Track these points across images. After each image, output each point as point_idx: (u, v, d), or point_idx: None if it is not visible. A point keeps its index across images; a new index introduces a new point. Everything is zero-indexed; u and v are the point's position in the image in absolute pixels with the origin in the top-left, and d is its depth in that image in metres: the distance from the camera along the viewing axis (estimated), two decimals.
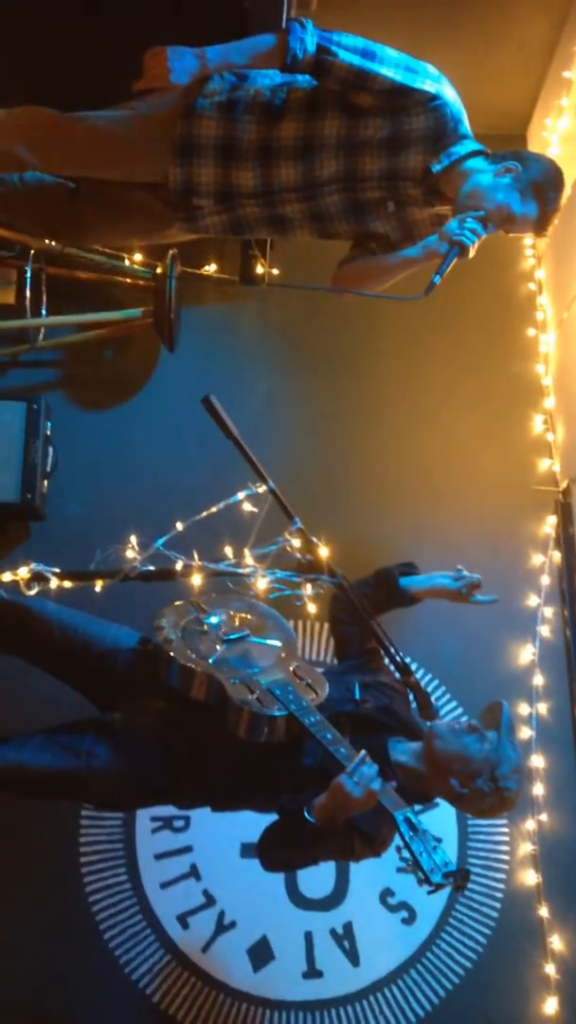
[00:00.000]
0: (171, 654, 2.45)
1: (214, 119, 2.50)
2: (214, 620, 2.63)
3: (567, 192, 2.54)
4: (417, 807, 2.17)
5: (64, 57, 3.17)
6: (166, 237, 2.85)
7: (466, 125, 2.53)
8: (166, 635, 2.51)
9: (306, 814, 2.25)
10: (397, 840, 2.10)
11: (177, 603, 2.66)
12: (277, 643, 2.62)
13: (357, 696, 2.56)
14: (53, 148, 2.59)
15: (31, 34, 3.18)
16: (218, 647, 2.52)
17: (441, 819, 3.50)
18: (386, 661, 2.55)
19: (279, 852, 2.45)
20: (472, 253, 2.41)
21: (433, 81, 2.44)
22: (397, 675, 2.42)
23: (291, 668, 2.52)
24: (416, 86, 2.41)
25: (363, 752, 2.20)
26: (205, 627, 2.59)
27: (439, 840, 2.08)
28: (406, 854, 2.06)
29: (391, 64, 2.40)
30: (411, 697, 2.47)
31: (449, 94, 2.47)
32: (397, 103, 2.42)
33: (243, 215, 2.60)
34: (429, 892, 2.04)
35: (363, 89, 2.40)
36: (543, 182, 2.46)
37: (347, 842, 2.36)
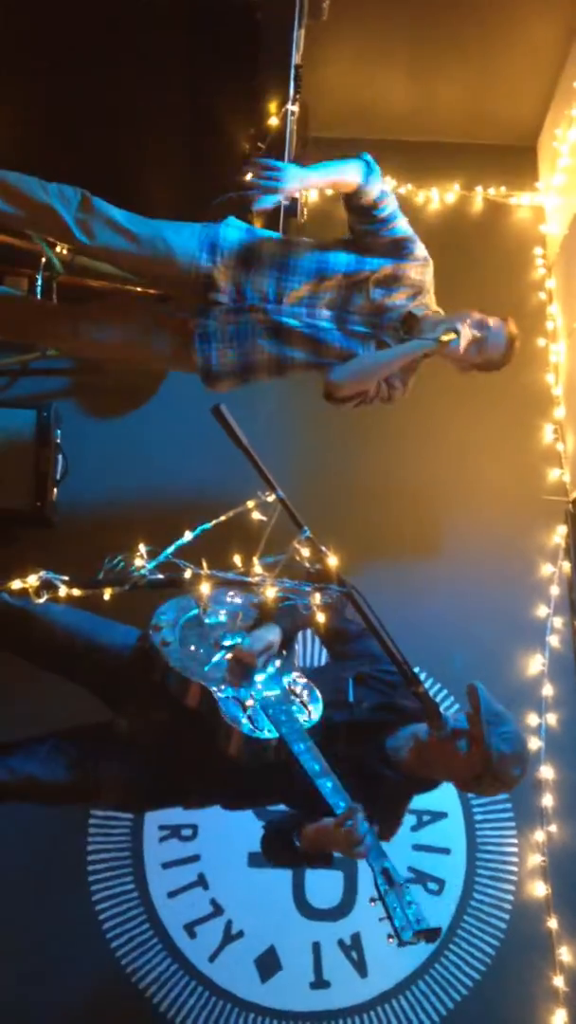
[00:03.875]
0: (167, 662, 2.45)
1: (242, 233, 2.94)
2: (214, 619, 2.62)
3: None
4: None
5: (79, 72, 3.19)
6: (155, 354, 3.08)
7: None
8: (164, 637, 2.51)
9: (295, 840, 2.30)
10: (371, 888, 2.10)
11: (178, 599, 2.65)
12: (272, 644, 2.60)
13: (351, 698, 2.55)
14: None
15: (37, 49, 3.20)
16: (216, 653, 2.52)
17: (450, 831, 3.50)
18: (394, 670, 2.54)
19: (276, 857, 2.49)
20: (462, 344, 2.83)
21: (424, 250, 2.92)
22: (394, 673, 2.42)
23: (287, 681, 2.51)
24: (417, 244, 2.90)
25: (357, 808, 2.18)
26: (205, 627, 2.59)
27: (415, 901, 2.07)
28: (380, 907, 2.05)
29: (406, 236, 2.89)
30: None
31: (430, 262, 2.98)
32: (403, 251, 2.88)
33: (249, 321, 2.87)
34: (398, 946, 2.03)
35: (389, 230, 2.86)
36: (505, 320, 3.00)
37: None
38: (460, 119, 4.49)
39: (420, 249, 2.93)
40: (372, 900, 2.07)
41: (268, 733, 2.34)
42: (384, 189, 2.85)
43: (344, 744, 2.40)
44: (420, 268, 2.93)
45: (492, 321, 2.94)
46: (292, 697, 2.46)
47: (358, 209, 2.85)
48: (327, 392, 2.99)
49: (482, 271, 4.23)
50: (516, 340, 3.00)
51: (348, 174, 2.82)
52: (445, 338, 2.81)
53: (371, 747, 2.47)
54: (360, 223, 2.89)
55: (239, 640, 2.54)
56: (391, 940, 2.02)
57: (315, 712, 2.44)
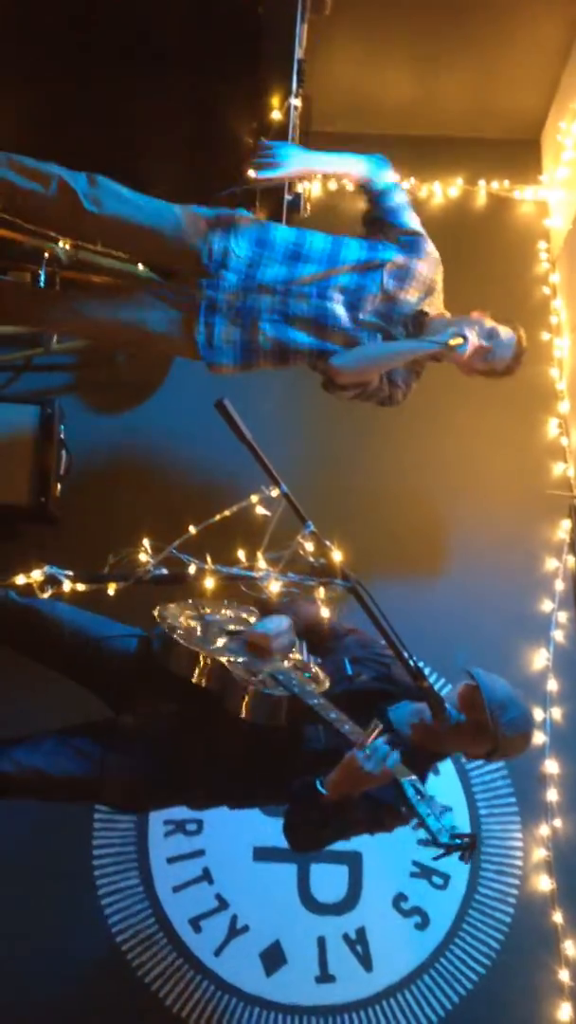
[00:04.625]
0: (174, 636, 2.47)
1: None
2: (215, 618, 2.64)
3: None
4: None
5: (78, 70, 3.19)
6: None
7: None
8: (170, 623, 2.53)
9: (318, 786, 2.26)
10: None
11: (178, 603, 2.67)
12: (286, 630, 2.62)
13: (349, 672, 2.57)
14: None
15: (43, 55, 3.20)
16: (220, 638, 2.54)
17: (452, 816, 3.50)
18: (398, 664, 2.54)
19: (303, 832, 2.44)
20: (468, 351, 2.84)
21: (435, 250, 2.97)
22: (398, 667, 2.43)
23: (291, 662, 2.54)
24: (428, 241, 2.94)
25: (377, 725, 2.20)
26: (207, 621, 2.61)
27: (448, 808, 2.08)
28: (414, 820, 2.07)
29: (412, 220, 2.95)
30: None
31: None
32: (414, 246, 2.92)
33: (256, 300, 2.87)
34: (435, 858, 2.06)
35: (399, 221, 2.91)
36: (514, 327, 3.00)
37: (374, 813, 2.35)
38: (463, 113, 4.48)
39: (430, 247, 2.95)
40: (403, 808, 2.08)
41: (281, 691, 2.37)
42: (394, 181, 2.88)
43: (348, 712, 2.40)
44: (430, 266, 2.95)
45: (503, 332, 2.94)
46: (300, 672, 2.49)
47: (368, 199, 2.90)
48: (327, 377, 2.97)
49: (486, 266, 4.22)
50: (524, 353, 3.02)
51: (353, 164, 2.84)
52: (453, 343, 2.82)
53: (375, 714, 2.47)
54: (371, 213, 2.93)
55: (242, 627, 2.57)
56: (428, 846, 2.03)
57: (324, 683, 2.48)
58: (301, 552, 2.24)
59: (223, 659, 2.43)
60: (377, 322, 2.92)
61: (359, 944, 3.42)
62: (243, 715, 2.37)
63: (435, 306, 3.00)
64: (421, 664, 2.34)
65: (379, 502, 3.86)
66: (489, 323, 2.93)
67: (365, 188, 2.94)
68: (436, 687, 2.40)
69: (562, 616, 3.79)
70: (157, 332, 2.98)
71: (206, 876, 3.46)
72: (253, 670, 2.42)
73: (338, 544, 2.25)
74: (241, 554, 2.30)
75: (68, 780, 2.53)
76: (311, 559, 2.25)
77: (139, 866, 3.45)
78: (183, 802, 2.72)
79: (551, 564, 3.85)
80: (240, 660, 2.45)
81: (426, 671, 2.35)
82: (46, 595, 2.16)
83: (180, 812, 3.37)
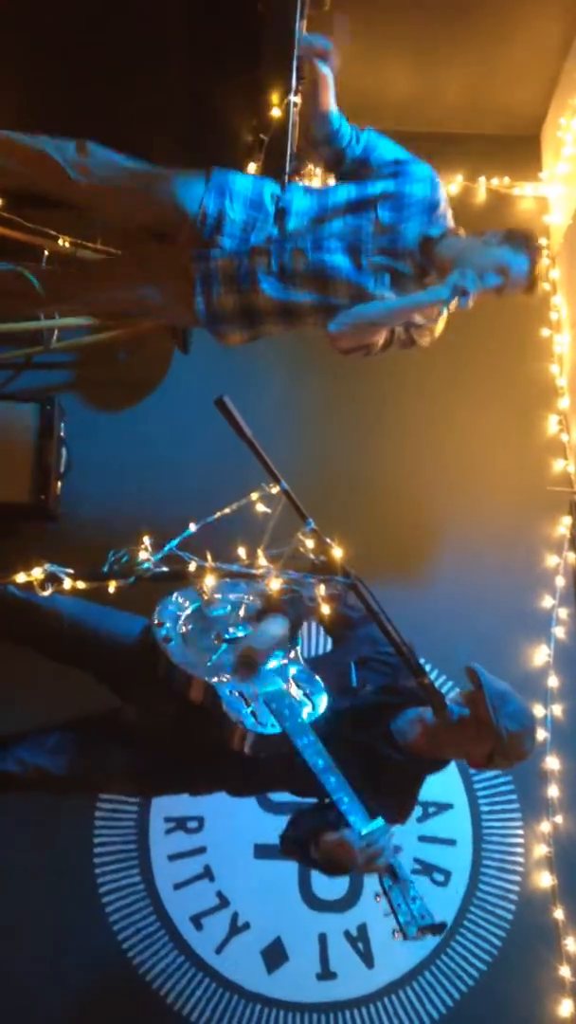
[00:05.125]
0: (170, 658, 2.45)
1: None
2: (217, 611, 2.62)
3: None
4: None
5: (78, 68, 3.18)
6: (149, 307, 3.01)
7: (451, 214, 2.86)
8: (166, 633, 2.51)
9: (312, 853, 2.30)
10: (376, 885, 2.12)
11: (179, 592, 2.64)
12: (280, 639, 2.61)
13: (354, 683, 2.55)
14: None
15: (40, 50, 3.19)
16: (219, 648, 2.51)
17: (455, 822, 3.50)
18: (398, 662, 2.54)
19: (293, 856, 2.49)
20: (470, 302, 2.64)
21: (429, 169, 2.84)
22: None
23: (291, 674, 2.51)
24: (417, 163, 2.81)
25: (382, 825, 2.19)
26: (208, 619, 2.59)
27: (419, 896, 2.09)
28: (384, 903, 2.08)
29: (393, 152, 2.84)
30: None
31: (439, 181, 2.86)
32: (402, 174, 2.77)
33: (252, 264, 2.76)
34: (403, 941, 2.07)
35: (375, 161, 2.81)
36: (528, 240, 2.76)
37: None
38: (463, 109, 4.47)
39: (421, 167, 2.82)
40: (377, 896, 2.09)
41: (272, 728, 2.34)
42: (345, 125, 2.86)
43: (350, 729, 2.40)
44: (425, 186, 2.80)
45: (512, 263, 2.70)
46: (295, 690, 2.46)
47: (334, 152, 2.86)
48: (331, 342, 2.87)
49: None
50: (541, 272, 2.79)
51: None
52: (453, 304, 2.64)
53: (377, 731, 2.47)
54: (346, 163, 2.86)
55: (242, 633, 2.54)
56: (397, 936, 2.05)
57: (319, 704, 2.44)
58: (301, 549, 2.24)
59: (216, 687, 2.40)
60: (382, 262, 2.74)
61: (360, 941, 3.42)
62: (235, 749, 2.35)
63: (443, 226, 2.80)
64: (422, 661, 2.34)
65: (380, 499, 3.86)
66: (497, 259, 2.69)
67: (330, 140, 2.84)
68: (437, 684, 2.40)
69: (563, 612, 3.79)
70: (158, 303, 2.93)
71: (207, 873, 3.47)
72: (246, 697, 2.39)
73: (338, 541, 2.25)
74: (241, 551, 2.30)
75: (72, 777, 2.54)
76: (311, 556, 2.25)
77: (140, 863, 3.45)
78: (184, 789, 2.72)
79: (551, 560, 3.85)
80: (234, 687, 2.41)
81: (427, 668, 2.35)
82: (46, 593, 2.16)
83: (181, 809, 3.38)
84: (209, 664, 2.45)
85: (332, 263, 2.74)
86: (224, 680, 2.42)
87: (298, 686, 2.48)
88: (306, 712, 2.40)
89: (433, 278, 2.77)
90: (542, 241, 2.80)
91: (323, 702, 2.46)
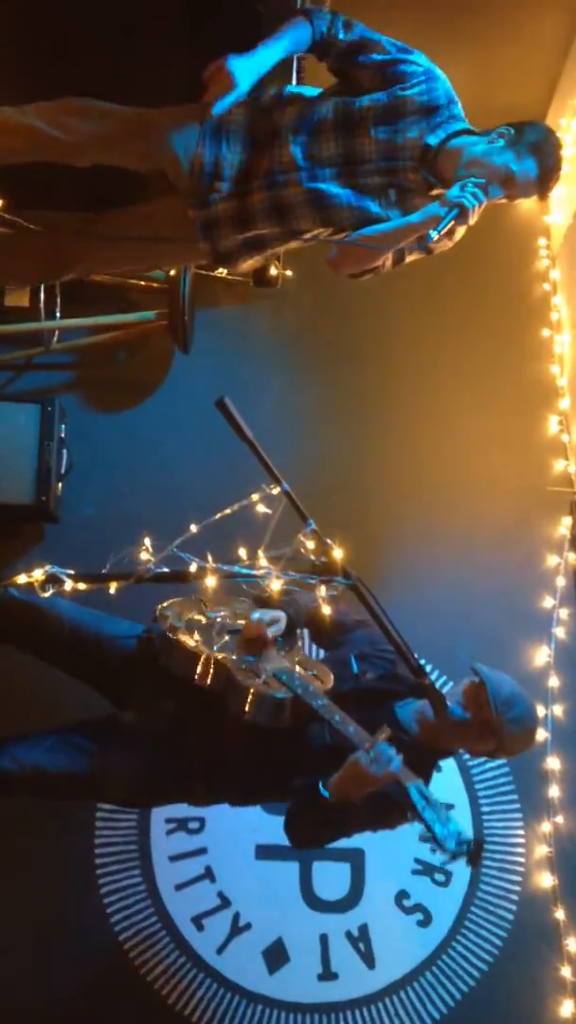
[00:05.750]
0: (175, 638, 2.47)
1: (240, 106, 2.57)
2: (217, 616, 2.64)
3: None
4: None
5: (82, 63, 3.18)
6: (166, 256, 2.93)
7: (459, 106, 2.62)
8: (171, 623, 2.52)
9: (321, 789, 2.26)
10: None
11: (180, 599, 2.67)
12: (277, 619, 2.62)
13: (355, 670, 2.57)
14: (81, 125, 2.64)
15: (48, 42, 3.19)
16: (223, 637, 2.54)
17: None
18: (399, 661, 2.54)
19: (305, 830, 2.45)
20: (473, 218, 2.44)
21: (425, 61, 2.58)
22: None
23: (295, 660, 2.54)
24: (410, 59, 2.55)
25: (384, 729, 2.20)
26: (208, 620, 2.61)
27: (451, 806, 2.08)
28: (420, 825, 2.07)
29: (388, 41, 2.57)
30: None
31: (440, 73, 2.60)
32: (393, 76, 2.53)
33: (250, 204, 2.61)
34: (443, 862, 2.05)
35: (365, 56, 2.55)
36: (538, 140, 2.54)
37: (378, 809, 2.34)
38: (463, 108, 4.46)
39: (412, 66, 2.56)
40: (409, 815, 2.08)
41: (284, 694, 2.37)
42: (337, 19, 2.57)
43: (355, 710, 2.40)
44: (421, 88, 2.55)
45: (519, 171, 2.50)
46: (303, 671, 2.50)
47: (321, 54, 2.59)
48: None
49: (486, 263, 4.21)
50: (551, 180, 2.55)
51: (292, 43, 2.53)
52: (449, 235, 2.46)
53: (383, 712, 2.47)
54: (336, 61, 2.60)
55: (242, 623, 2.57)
56: (435, 852, 2.03)
57: (327, 682, 2.48)
58: (302, 550, 2.24)
59: (225, 658, 2.43)
60: (383, 180, 2.56)
61: (361, 941, 3.42)
62: (246, 715, 2.37)
63: (441, 134, 2.55)
64: (423, 661, 2.34)
65: (380, 499, 3.86)
66: (502, 166, 2.49)
67: (315, 46, 2.56)
68: (438, 684, 2.41)
69: (563, 613, 3.79)
70: (169, 252, 2.85)
71: (208, 874, 3.47)
72: (255, 670, 2.41)
73: (339, 542, 2.25)
74: (242, 552, 2.30)
75: (68, 777, 2.54)
76: (312, 557, 2.25)
77: (141, 864, 3.45)
78: (184, 799, 2.72)
79: (552, 560, 3.85)
80: (242, 663, 2.44)
81: (427, 668, 2.35)
82: (47, 594, 2.16)
83: (182, 810, 3.37)
84: (216, 648, 2.48)
85: (328, 192, 2.56)
86: (232, 658, 2.45)
87: (304, 668, 2.52)
88: (316, 686, 2.42)
89: (440, 190, 2.56)
90: (560, 138, 2.57)
91: (330, 679, 2.49)
